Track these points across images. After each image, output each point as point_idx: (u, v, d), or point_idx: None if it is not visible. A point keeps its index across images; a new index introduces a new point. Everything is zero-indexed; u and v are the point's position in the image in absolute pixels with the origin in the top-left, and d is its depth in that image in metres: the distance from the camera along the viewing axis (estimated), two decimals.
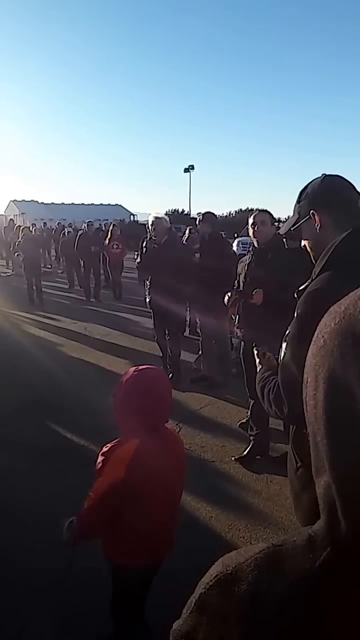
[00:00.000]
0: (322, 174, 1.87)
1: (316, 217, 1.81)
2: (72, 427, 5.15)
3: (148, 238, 6.64)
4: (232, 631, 0.57)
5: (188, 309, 9.00)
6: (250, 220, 4.44)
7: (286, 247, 4.44)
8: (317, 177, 1.88)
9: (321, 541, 0.54)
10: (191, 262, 6.42)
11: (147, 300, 6.63)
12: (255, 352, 2.20)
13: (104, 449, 2.14)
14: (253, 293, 4.26)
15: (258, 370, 2.09)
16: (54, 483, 4.09)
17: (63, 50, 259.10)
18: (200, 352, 6.97)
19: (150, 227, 6.38)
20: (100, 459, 2.15)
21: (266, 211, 4.52)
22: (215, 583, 0.62)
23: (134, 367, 2.15)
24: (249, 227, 4.46)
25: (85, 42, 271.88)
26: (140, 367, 2.14)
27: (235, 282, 4.74)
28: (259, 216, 4.40)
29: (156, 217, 6.32)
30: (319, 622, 0.51)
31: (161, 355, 6.85)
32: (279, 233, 2.72)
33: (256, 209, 4.59)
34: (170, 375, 6.54)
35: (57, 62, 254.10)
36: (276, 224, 4.84)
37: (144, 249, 6.66)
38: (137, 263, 6.74)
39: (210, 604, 0.62)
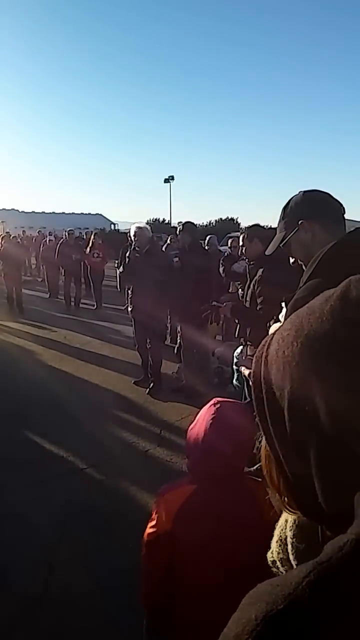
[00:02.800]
0: (300, 191, 1.88)
1: (306, 226, 1.81)
2: (49, 438, 5.05)
3: (131, 248, 6.63)
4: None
5: (169, 317, 9.01)
6: (241, 237, 4.51)
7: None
8: (295, 194, 1.88)
9: None
10: (173, 271, 6.45)
11: (129, 309, 6.62)
12: (244, 370, 2.18)
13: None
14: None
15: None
16: (30, 496, 3.99)
17: (43, 61, 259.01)
18: (181, 362, 6.93)
19: (132, 236, 6.42)
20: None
21: (254, 227, 4.58)
22: (263, 628, 0.47)
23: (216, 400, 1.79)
24: (241, 242, 4.52)
25: (64, 51, 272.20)
26: (222, 400, 1.77)
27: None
28: (245, 233, 4.49)
29: (138, 227, 6.36)
30: None
31: (142, 364, 6.81)
32: (265, 254, 2.70)
33: (229, 220, 4.69)
34: (151, 384, 6.53)
35: (36, 73, 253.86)
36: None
37: (127, 259, 6.68)
38: (119, 272, 6.74)
39: None
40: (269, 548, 0.93)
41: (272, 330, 2.15)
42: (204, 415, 1.71)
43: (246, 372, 2.18)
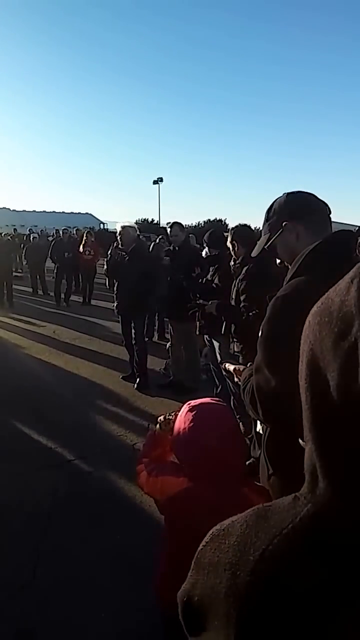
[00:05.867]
0: (283, 193, 1.88)
1: (290, 228, 1.82)
2: (37, 430, 5.04)
3: (114, 246, 6.68)
4: (220, 580, 0.61)
5: (157, 314, 9.02)
6: (229, 238, 4.57)
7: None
8: (279, 196, 1.88)
9: (303, 499, 0.60)
10: (158, 269, 6.57)
11: (115, 305, 6.68)
12: (229, 366, 2.21)
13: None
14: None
15: (237, 376, 2.09)
16: (17, 486, 4.00)
17: (34, 59, 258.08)
18: (169, 358, 6.95)
19: (118, 235, 6.49)
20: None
21: (240, 227, 4.67)
22: (210, 539, 0.68)
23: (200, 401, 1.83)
24: (228, 243, 4.59)
25: (54, 51, 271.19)
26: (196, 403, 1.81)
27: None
28: (230, 234, 4.57)
29: (123, 226, 6.44)
30: (295, 568, 0.55)
31: (129, 360, 6.83)
32: (251, 256, 2.72)
33: (217, 221, 4.76)
34: (137, 379, 6.55)
35: (27, 73, 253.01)
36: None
37: (111, 257, 6.74)
38: (106, 269, 6.77)
39: (205, 559, 0.66)
40: None
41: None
42: (184, 421, 1.74)
43: (231, 367, 2.21)
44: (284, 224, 1.82)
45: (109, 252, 6.80)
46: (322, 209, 1.83)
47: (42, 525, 3.48)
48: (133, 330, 6.52)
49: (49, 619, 2.69)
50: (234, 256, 4.63)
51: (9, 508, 3.69)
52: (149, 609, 2.34)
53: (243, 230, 4.59)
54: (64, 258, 13.16)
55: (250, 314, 4.07)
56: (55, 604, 2.79)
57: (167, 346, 6.98)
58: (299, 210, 1.82)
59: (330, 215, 1.84)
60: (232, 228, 4.74)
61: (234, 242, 4.51)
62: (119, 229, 6.48)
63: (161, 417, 1.95)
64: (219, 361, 4.66)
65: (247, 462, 2.06)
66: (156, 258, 8.03)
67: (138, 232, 6.87)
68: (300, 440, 1.64)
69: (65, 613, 2.72)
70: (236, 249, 4.51)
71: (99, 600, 2.81)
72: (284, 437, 1.60)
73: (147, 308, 6.85)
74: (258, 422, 2.03)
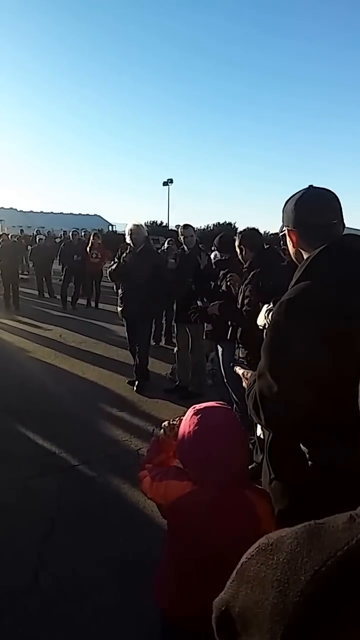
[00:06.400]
0: (308, 186, 1.83)
1: (287, 234, 1.84)
2: (42, 434, 5.05)
3: (127, 250, 6.50)
4: (266, 596, 0.60)
5: (164, 317, 9.01)
6: (237, 242, 4.54)
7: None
8: (300, 190, 1.84)
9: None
10: (165, 271, 6.54)
11: (119, 309, 6.64)
12: (238, 370, 2.21)
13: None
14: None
15: (245, 381, 2.08)
16: (21, 490, 4.00)
17: (42, 60, 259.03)
18: (175, 363, 6.96)
19: (128, 234, 6.39)
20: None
21: (249, 231, 4.65)
22: (256, 552, 0.66)
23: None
24: (236, 247, 4.56)
25: (64, 50, 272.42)
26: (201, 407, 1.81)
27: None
28: (238, 238, 4.55)
29: (135, 225, 6.37)
30: (348, 592, 0.54)
31: (134, 364, 6.81)
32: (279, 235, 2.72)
33: (227, 224, 4.75)
34: (136, 382, 6.57)
35: (40, 71, 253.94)
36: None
37: (121, 258, 6.58)
38: (111, 270, 6.66)
39: (250, 572, 0.65)
40: None
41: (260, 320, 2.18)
42: (188, 425, 1.74)
43: (240, 371, 2.20)
44: (284, 228, 1.85)
45: (120, 254, 6.63)
46: (327, 222, 1.76)
47: (45, 530, 3.48)
48: (138, 333, 6.50)
49: (51, 624, 2.69)
50: (241, 260, 4.60)
51: (12, 512, 3.70)
52: (149, 616, 2.33)
53: (251, 234, 4.57)
54: (72, 261, 13.14)
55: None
56: (58, 609, 2.79)
57: (174, 351, 6.98)
58: (299, 221, 1.79)
59: (337, 222, 1.78)
60: (240, 232, 4.70)
61: (241, 246, 4.48)
62: (129, 227, 6.40)
63: (165, 423, 1.95)
64: (230, 365, 4.66)
65: (250, 467, 2.06)
66: (163, 260, 8.02)
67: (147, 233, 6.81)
68: (301, 446, 1.65)
69: (67, 618, 2.73)
70: (244, 253, 4.49)
71: (101, 606, 2.81)
72: (286, 443, 1.62)
73: (154, 311, 6.81)
74: (259, 427, 2.03)
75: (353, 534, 0.57)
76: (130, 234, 6.32)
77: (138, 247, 6.31)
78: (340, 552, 0.55)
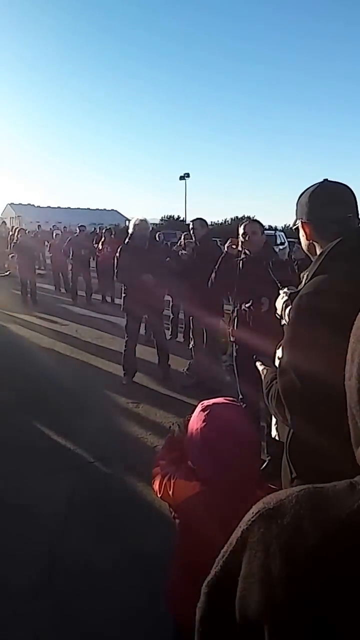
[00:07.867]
0: (323, 179, 1.82)
1: (300, 226, 1.83)
2: (58, 430, 5.02)
3: (130, 245, 6.55)
4: (274, 561, 0.60)
5: (181, 311, 8.97)
6: (241, 230, 4.42)
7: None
8: (315, 183, 1.83)
9: None
10: (168, 265, 6.84)
11: (122, 303, 6.69)
12: (259, 366, 2.14)
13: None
14: (262, 303, 4.18)
15: (263, 378, 2.03)
16: (36, 485, 3.97)
17: (60, 55, 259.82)
18: (192, 359, 6.90)
19: (131, 229, 6.56)
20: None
21: (256, 221, 4.58)
22: (258, 518, 0.65)
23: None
24: (240, 236, 4.45)
25: (82, 46, 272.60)
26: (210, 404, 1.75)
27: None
28: (250, 226, 4.41)
29: (140, 220, 6.52)
30: (354, 556, 0.55)
31: (123, 356, 6.78)
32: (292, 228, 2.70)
33: (246, 218, 4.65)
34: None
35: (55, 66, 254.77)
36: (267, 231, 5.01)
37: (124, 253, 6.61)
38: (116, 266, 6.65)
39: (252, 538, 0.65)
40: None
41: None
42: (196, 422, 1.69)
43: (260, 367, 2.14)
44: (297, 221, 1.85)
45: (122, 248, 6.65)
46: (342, 215, 1.74)
47: (58, 528, 3.44)
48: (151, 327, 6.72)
49: (64, 624, 2.65)
50: (248, 248, 4.46)
51: (25, 510, 3.66)
52: (159, 616, 2.29)
53: (255, 224, 4.49)
54: (80, 255, 13.19)
55: (244, 307, 4.26)
56: (70, 607, 2.75)
57: (190, 346, 6.92)
58: (312, 214, 1.78)
59: (353, 215, 1.75)
60: (242, 222, 4.59)
61: (248, 234, 4.39)
62: (132, 223, 6.59)
63: (181, 420, 1.91)
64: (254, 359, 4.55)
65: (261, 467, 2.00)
66: (168, 252, 8.15)
67: (151, 228, 7.06)
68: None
69: (80, 618, 2.69)
70: (252, 241, 4.39)
71: (114, 604, 2.76)
72: (309, 441, 1.56)
73: (162, 302, 6.98)
74: (273, 428, 1.98)
75: (354, 500, 0.58)
76: (134, 229, 6.47)
77: (143, 243, 6.43)
78: (345, 516, 0.57)
